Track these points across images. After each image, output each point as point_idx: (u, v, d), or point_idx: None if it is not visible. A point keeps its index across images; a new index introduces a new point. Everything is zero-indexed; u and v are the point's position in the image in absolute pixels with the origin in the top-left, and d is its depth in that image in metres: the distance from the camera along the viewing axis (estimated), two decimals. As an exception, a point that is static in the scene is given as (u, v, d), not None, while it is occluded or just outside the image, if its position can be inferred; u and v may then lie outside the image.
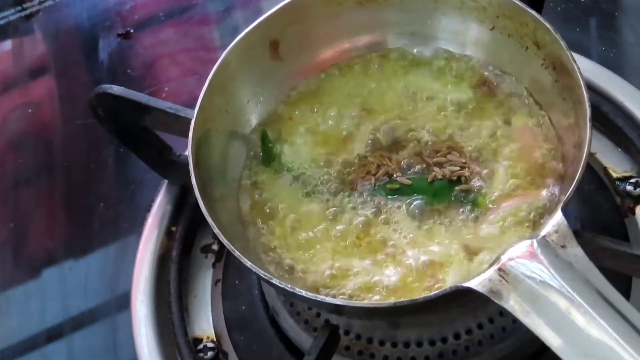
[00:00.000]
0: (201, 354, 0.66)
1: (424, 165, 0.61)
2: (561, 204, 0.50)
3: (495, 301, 0.47)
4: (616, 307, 0.45)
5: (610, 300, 0.45)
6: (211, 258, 0.73)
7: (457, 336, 0.60)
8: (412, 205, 0.59)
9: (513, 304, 0.46)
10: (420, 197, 0.59)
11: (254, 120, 0.66)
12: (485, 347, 0.60)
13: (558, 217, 0.49)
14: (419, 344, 0.60)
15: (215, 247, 0.73)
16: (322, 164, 0.63)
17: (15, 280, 0.77)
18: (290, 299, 0.64)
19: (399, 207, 0.60)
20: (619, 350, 0.43)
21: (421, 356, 0.60)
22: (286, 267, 0.59)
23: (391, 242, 0.58)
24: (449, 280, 0.55)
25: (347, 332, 0.61)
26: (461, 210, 0.58)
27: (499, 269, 0.47)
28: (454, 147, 0.61)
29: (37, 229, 0.81)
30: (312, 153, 0.64)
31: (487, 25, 0.63)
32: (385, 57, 0.67)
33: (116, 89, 0.65)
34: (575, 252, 0.47)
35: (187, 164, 0.57)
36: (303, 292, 0.51)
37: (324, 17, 0.66)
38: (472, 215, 0.58)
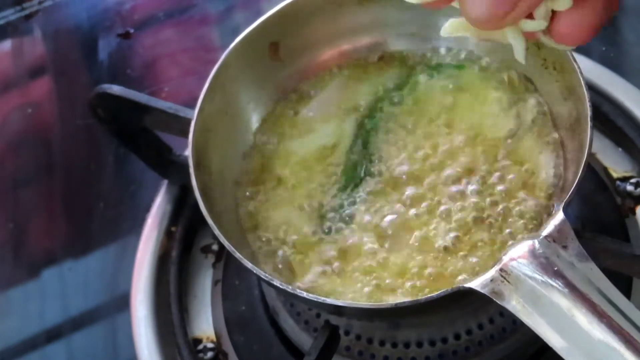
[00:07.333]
0: (201, 354, 0.66)
1: None
2: (562, 204, 0.50)
3: (497, 301, 0.47)
4: (618, 307, 0.45)
5: (613, 300, 0.45)
6: (211, 258, 0.73)
7: (457, 337, 0.60)
8: None
9: (515, 305, 0.46)
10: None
11: (254, 122, 0.66)
12: (486, 347, 0.60)
13: (559, 217, 0.49)
14: (419, 345, 0.60)
15: (215, 247, 0.73)
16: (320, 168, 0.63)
17: (15, 280, 0.77)
18: (290, 299, 0.64)
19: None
20: (622, 351, 0.43)
21: (421, 357, 0.60)
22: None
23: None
24: None
25: (347, 333, 0.61)
26: None
27: (501, 269, 0.47)
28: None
29: (37, 229, 0.81)
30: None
31: None
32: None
33: (116, 89, 0.65)
34: (577, 252, 0.47)
35: (187, 164, 0.57)
36: (304, 293, 0.51)
37: (324, 18, 0.66)
38: None
